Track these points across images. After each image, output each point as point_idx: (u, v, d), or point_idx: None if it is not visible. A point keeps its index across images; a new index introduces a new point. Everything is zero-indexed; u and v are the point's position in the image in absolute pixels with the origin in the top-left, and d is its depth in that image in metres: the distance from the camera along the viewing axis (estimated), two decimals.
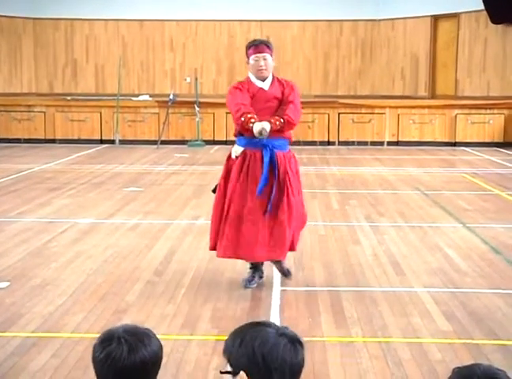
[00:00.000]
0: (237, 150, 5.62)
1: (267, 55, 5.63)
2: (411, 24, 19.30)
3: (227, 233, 5.53)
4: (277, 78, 5.77)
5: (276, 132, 5.50)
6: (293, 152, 5.86)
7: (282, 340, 1.97)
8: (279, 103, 5.63)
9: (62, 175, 11.63)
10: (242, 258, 5.71)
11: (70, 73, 20.57)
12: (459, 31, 17.99)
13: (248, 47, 5.69)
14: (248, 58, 5.68)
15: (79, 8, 20.01)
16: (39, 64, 20.51)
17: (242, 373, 1.95)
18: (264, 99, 5.62)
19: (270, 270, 6.20)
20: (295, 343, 2.00)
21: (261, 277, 5.82)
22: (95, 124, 16.56)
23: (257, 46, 5.66)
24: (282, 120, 5.49)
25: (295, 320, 4.97)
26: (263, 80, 5.67)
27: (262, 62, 5.61)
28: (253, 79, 5.69)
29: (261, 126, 5.33)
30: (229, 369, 1.97)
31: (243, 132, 5.56)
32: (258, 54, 5.62)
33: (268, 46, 5.68)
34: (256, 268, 5.80)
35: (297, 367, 1.98)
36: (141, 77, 20.51)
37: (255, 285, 5.72)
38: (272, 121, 5.46)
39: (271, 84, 5.69)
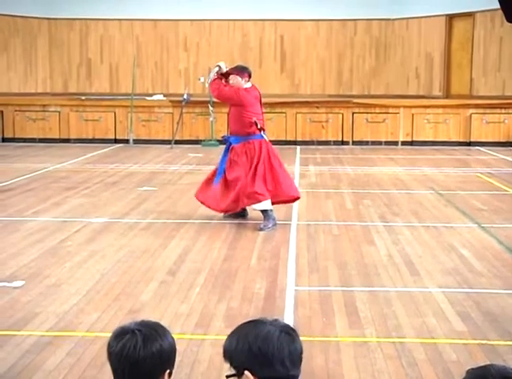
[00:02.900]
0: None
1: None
2: (425, 23, 19.23)
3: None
4: None
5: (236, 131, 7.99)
6: (258, 141, 7.90)
7: (274, 330, 1.98)
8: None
9: (76, 175, 11.67)
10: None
11: (85, 73, 20.66)
12: (474, 30, 17.90)
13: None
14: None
15: (94, 8, 20.09)
16: (54, 64, 20.61)
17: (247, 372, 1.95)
18: None
19: (284, 270, 6.20)
20: (288, 330, 2.02)
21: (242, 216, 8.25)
22: (109, 123, 16.61)
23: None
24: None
25: (309, 319, 4.97)
26: None
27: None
28: None
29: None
30: (233, 371, 1.98)
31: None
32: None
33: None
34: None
35: (296, 353, 1.99)
36: (155, 77, 20.56)
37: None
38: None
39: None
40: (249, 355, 1.95)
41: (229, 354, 2.00)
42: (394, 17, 19.91)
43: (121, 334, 2.09)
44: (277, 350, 1.95)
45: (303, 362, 2.02)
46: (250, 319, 2.10)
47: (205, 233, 7.58)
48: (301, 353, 2.02)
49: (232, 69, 8.16)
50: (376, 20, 20.03)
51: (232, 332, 2.04)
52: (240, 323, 2.07)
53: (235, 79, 8.02)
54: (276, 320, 2.05)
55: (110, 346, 2.10)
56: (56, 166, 12.62)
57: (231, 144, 8.02)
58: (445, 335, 4.71)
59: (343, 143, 16.31)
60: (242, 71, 8.10)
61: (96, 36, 20.54)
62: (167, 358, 2.09)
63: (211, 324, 4.88)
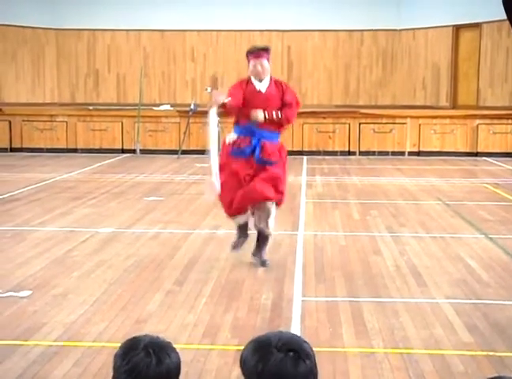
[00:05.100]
0: (231, 137, 6.59)
1: (264, 60, 6.52)
2: (432, 33, 19.25)
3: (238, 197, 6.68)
4: (274, 79, 6.66)
5: (269, 124, 6.48)
6: (281, 143, 6.75)
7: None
8: (274, 102, 6.51)
9: (83, 184, 11.70)
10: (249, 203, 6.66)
11: (92, 83, 20.72)
12: (481, 40, 17.90)
13: (247, 54, 6.60)
14: (248, 62, 6.58)
15: (101, 18, 20.17)
16: (62, 74, 20.68)
17: None
18: (261, 99, 6.49)
19: (291, 281, 6.19)
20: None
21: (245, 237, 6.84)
22: (116, 133, 16.65)
23: (255, 52, 6.56)
24: (280, 115, 6.49)
25: (316, 330, 4.96)
26: (260, 81, 6.56)
27: (259, 67, 6.50)
28: (253, 80, 6.57)
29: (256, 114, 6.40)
30: None
31: (239, 120, 6.60)
32: (256, 60, 6.51)
33: (266, 51, 6.59)
34: (241, 230, 6.83)
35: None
36: (162, 87, 20.61)
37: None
38: (274, 112, 6.46)
39: (268, 86, 6.58)
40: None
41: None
42: (401, 28, 19.94)
43: (132, 349, 2.08)
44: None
45: None
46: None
47: (211, 243, 7.58)
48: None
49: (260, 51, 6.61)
50: (383, 31, 20.05)
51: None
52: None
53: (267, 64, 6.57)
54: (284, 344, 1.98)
55: (121, 359, 2.08)
56: (63, 176, 12.65)
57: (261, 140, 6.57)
58: (452, 347, 4.69)
59: (350, 153, 16.31)
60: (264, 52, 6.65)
61: (104, 47, 20.61)
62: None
63: (218, 334, 4.88)
